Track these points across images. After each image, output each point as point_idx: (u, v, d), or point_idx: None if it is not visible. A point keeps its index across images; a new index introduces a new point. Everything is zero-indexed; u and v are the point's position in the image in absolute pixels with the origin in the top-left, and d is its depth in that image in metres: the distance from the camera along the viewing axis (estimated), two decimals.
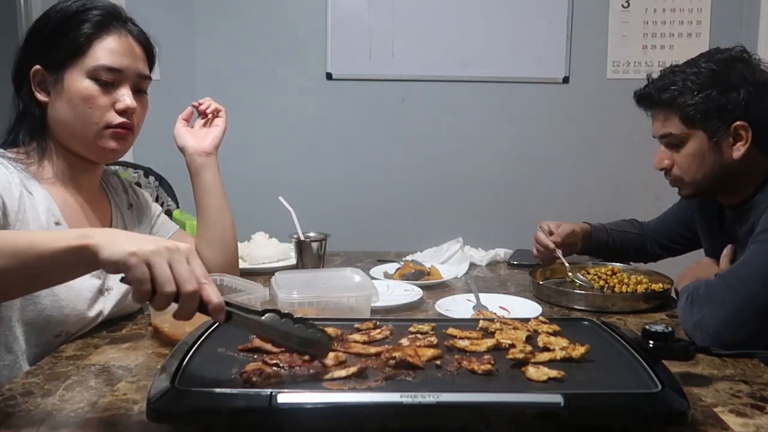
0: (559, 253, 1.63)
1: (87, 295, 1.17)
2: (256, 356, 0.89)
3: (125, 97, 1.18)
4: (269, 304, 1.20)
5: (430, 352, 0.89)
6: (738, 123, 1.30)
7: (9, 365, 1.12)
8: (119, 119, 1.19)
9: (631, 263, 1.67)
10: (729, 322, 1.14)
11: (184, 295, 0.80)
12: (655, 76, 1.40)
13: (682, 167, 1.37)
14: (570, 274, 1.55)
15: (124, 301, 1.25)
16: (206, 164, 1.44)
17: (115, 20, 1.19)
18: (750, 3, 3.01)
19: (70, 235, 0.83)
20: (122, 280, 0.81)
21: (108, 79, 1.17)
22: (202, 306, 0.81)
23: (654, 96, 1.37)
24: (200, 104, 1.50)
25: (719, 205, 1.46)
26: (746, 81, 1.30)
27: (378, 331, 0.99)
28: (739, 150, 1.32)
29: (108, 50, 1.17)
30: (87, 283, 1.17)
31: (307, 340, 0.85)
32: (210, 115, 1.49)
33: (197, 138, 1.46)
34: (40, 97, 1.18)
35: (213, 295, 0.81)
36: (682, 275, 1.43)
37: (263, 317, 0.84)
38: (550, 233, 1.67)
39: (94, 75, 1.16)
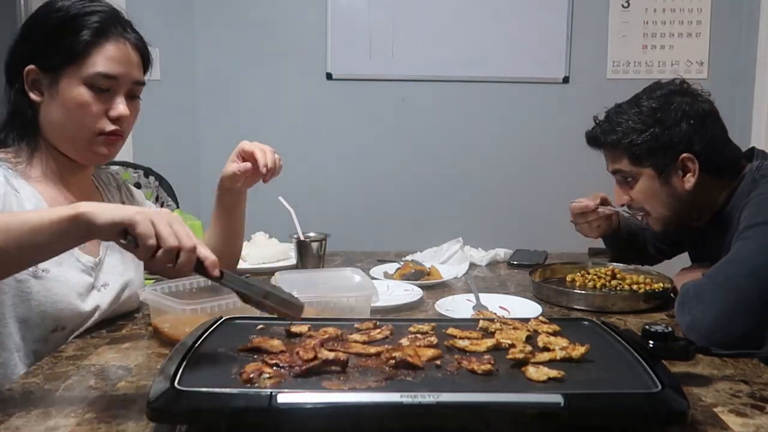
0: (601, 208, 1.64)
1: (79, 290, 1.17)
2: (256, 356, 0.89)
3: (119, 105, 1.18)
4: None
5: (430, 352, 0.89)
6: (684, 155, 1.35)
7: (4, 362, 1.12)
8: (112, 126, 1.19)
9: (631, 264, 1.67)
10: (721, 321, 1.14)
11: (186, 250, 0.87)
12: (601, 117, 1.46)
13: (641, 202, 1.43)
14: (625, 214, 1.56)
15: (122, 296, 1.26)
16: (244, 191, 1.46)
17: (113, 27, 1.18)
18: (750, 3, 3.01)
19: (62, 208, 0.90)
20: (124, 239, 0.87)
21: (103, 87, 1.17)
22: (198, 264, 0.89)
23: (600, 138, 1.44)
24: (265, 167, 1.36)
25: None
26: (686, 114, 1.34)
27: (378, 331, 0.99)
28: (689, 181, 1.36)
29: (106, 58, 1.16)
30: (78, 277, 1.18)
31: (284, 300, 0.92)
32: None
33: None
34: (33, 96, 1.17)
35: (208, 253, 0.90)
36: (681, 274, 1.44)
37: (248, 279, 0.94)
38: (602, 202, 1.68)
39: (90, 82, 1.16)
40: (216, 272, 0.89)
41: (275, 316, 0.93)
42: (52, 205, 1.18)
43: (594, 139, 1.46)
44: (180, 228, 0.88)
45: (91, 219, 0.87)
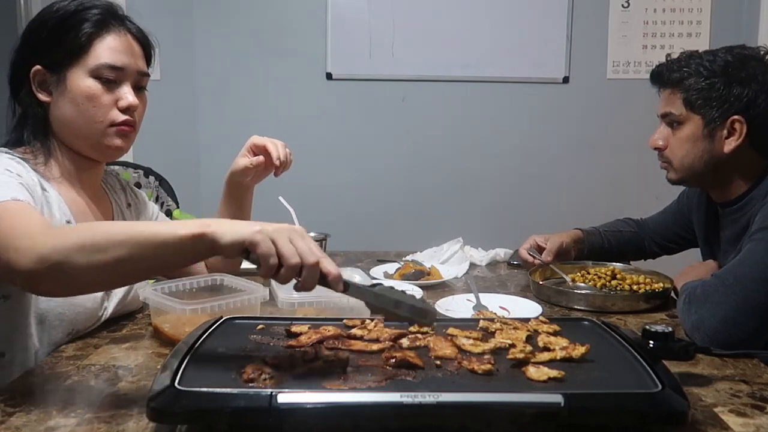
0: (553, 266, 1.61)
1: (98, 294, 1.17)
2: (256, 356, 0.89)
3: (127, 94, 1.19)
4: (270, 304, 1.20)
5: (449, 350, 0.89)
6: (735, 117, 1.31)
7: (22, 364, 1.10)
8: (122, 117, 1.19)
9: (630, 263, 1.67)
10: (727, 322, 1.14)
11: (308, 267, 0.85)
12: (674, 56, 1.42)
13: (673, 149, 1.39)
14: (569, 282, 1.54)
15: (126, 299, 1.26)
16: (252, 186, 1.46)
17: (113, 19, 1.20)
18: (750, 3, 3.01)
19: (191, 224, 0.89)
20: (247, 258, 0.86)
21: (110, 77, 1.18)
22: (322, 277, 0.86)
23: (664, 74, 1.39)
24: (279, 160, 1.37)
25: (714, 203, 1.46)
26: (755, 79, 1.30)
27: (373, 323, 0.99)
28: (730, 144, 1.33)
29: (109, 49, 1.17)
30: None
31: (417, 308, 0.88)
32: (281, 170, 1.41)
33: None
34: (42, 97, 1.18)
35: (332, 267, 0.86)
36: (682, 273, 1.43)
37: (375, 288, 0.89)
38: (540, 250, 1.66)
39: (96, 74, 1.17)
40: (340, 287, 0.87)
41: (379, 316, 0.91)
42: (71, 205, 1.18)
43: (658, 75, 1.42)
44: (301, 243, 0.86)
45: (217, 238, 0.86)
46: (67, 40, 1.16)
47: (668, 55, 1.43)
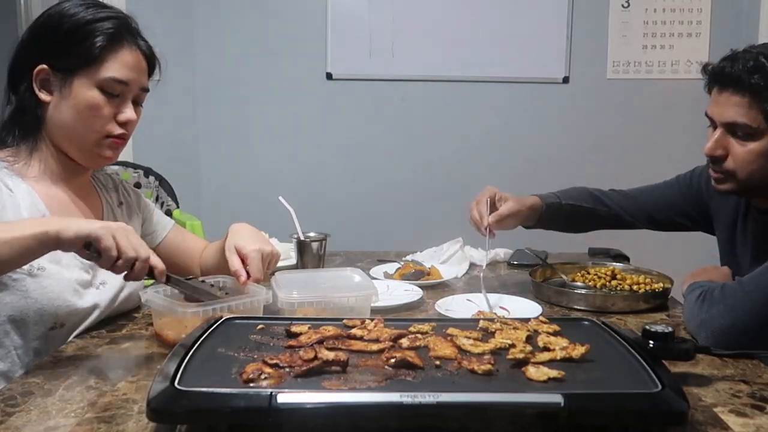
0: (487, 235, 1.50)
1: (76, 287, 1.18)
2: (256, 356, 0.89)
3: (128, 110, 1.21)
4: (270, 304, 1.20)
5: (449, 350, 0.89)
6: None
7: (1, 360, 1.13)
8: (119, 130, 1.22)
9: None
10: (737, 327, 1.12)
11: (141, 260, 1.03)
12: (746, 56, 1.22)
13: (739, 162, 1.24)
14: (569, 282, 1.53)
15: (120, 295, 1.26)
16: None
17: (128, 33, 1.22)
18: (750, 3, 3.01)
19: (30, 224, 1.02)
20: (86, 249, 1.00)
21: (115, 92, 1.19)
22: (150, 270, 1.06)
23: (743, 78, 1.20)
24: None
25: (748, 204, 1.38)
26: None
27: (372, 323, 0.99)
28: None
29: (120, 64, 1.19)
30: (76, 274, 1.18)
31: (208, 292, 1.14)
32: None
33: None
34: (42, 95, 1.19)
35: (158, 262, 1.06)
36: (694, 275, 1.37)
37: (190, 281, 1.15)
38: (492, 205, 1.53)
39: (102, 86, 1.18)
40: (163, 279, 1.08)
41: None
42: (47, 201, 1.19)
43: (730, 76, 1.21)
44: (136, 240, 1.03)
45: (60, 233, 0.98)
46: (80, 47, 1.17)
47: (736, 51, 1.24)
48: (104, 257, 1.00)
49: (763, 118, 1.19)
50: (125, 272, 1.04)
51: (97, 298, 1.22)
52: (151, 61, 1.27)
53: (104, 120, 1.19)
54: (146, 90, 1.26)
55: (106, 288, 1.24)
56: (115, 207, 1.37)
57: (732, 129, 1.24)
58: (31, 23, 1.23)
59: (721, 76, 1.24)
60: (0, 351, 1.13)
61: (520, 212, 1.56)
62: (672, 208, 1.59)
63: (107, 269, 1.02)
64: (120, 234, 1.01)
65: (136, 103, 1.25)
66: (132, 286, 1.28)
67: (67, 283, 1.16)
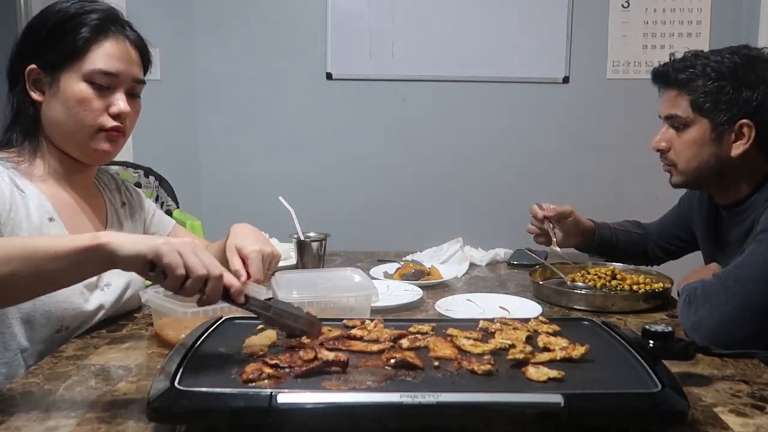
0: (548, 226, 1.64)
1: (82, 289, 1.17)
2: (256, 356, 0.89)
3: (119, 101, 1.19)
4: None
5: (449, 351, 0.89)
6: (744, 121, 1.30)
7: (7, 362, 1.12)
8: (112, 123, 1.19)
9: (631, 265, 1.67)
10: (726, 323, 1.14)
11: (213, 279, 0.88)
12: (678, 56, 1.38)
13: (678, 152, 1.37)
14: (569, 282, 1.54)
15: (125, 296, 1.26)
16: None
17: (113, 24, 1.20)
18: (750, 3, 3.01)
19: (83, 237, 0.89)
20: (152, 271, 0.87)
21: (103, 83, 1.18)
22: (225, 291, 0.90)
23: (670, 75, 1.36)
24: None
25: (716, 205, 1.46)
26: (764, 83, 1.29)
27: (372, 324, 0.99)
28: (738, 148, 1.32)
29: (105, 55, 1.18)
30: None
31: (308, 321, 0.94)
32: None
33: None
34: (35, 95, 1.19)
35: (233, 281, 0.90)
36: (686, 277, 1.41)
37: (270, 300, 0.94)
38: (551, 218, 1.68)
39: (90, 78, 1.17)
40: (241, 299, 0.91)
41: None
42: (54, 203, 1.19)
43: (663, 75, 1.38)
44: (206, 257, 0.88)
45: (113, 250, 0.87)
46: (64, 42, 1.16)
47: (672, 54, 1.40)
48: (170, 276, 0.86)
49: (690, 109, 1.33)
50: (198, 295, 0.89)
51: (102, 300, 1.22)
52: (143, 52, 1.25)
53: (95, 113, 1.18)
54: (141, 81, 1.24)
55: (110, 289, 1.23)
56: (119, 207, 1.37)
57: (672, 122, 1.38)
58: (24, 26, 1.23)
59: (656, 76, 1.41)
60: (7, 354, 1.12)
61: (576, 218, 1.70)
62: (669, 235, 1.71)
63: (176, 292, 0.89)
64: (186, 250, 0.87)
65: (133, 96, 1.23)
66: (135, 286, 1.28)
67: (75, 286, 1.15)
